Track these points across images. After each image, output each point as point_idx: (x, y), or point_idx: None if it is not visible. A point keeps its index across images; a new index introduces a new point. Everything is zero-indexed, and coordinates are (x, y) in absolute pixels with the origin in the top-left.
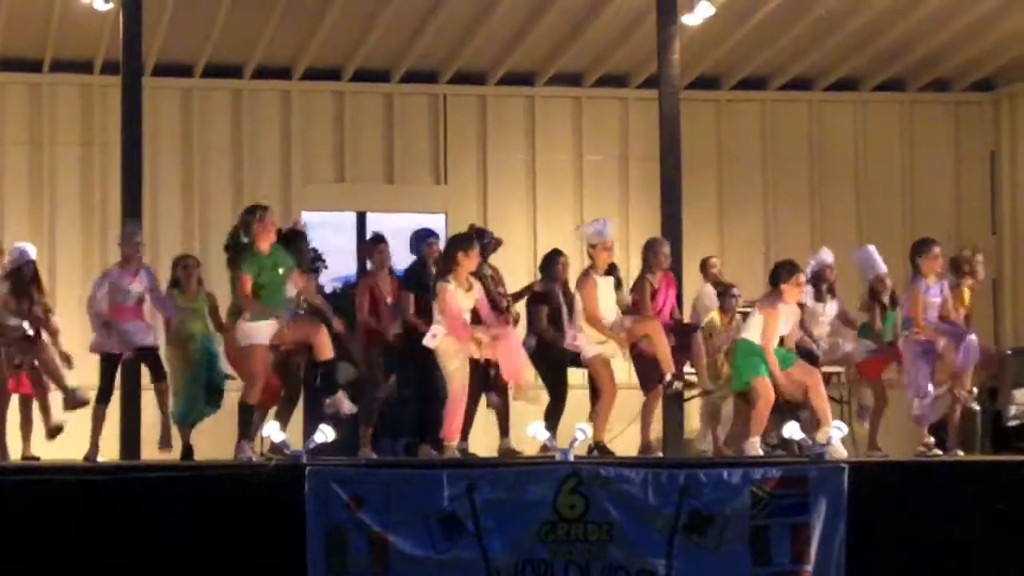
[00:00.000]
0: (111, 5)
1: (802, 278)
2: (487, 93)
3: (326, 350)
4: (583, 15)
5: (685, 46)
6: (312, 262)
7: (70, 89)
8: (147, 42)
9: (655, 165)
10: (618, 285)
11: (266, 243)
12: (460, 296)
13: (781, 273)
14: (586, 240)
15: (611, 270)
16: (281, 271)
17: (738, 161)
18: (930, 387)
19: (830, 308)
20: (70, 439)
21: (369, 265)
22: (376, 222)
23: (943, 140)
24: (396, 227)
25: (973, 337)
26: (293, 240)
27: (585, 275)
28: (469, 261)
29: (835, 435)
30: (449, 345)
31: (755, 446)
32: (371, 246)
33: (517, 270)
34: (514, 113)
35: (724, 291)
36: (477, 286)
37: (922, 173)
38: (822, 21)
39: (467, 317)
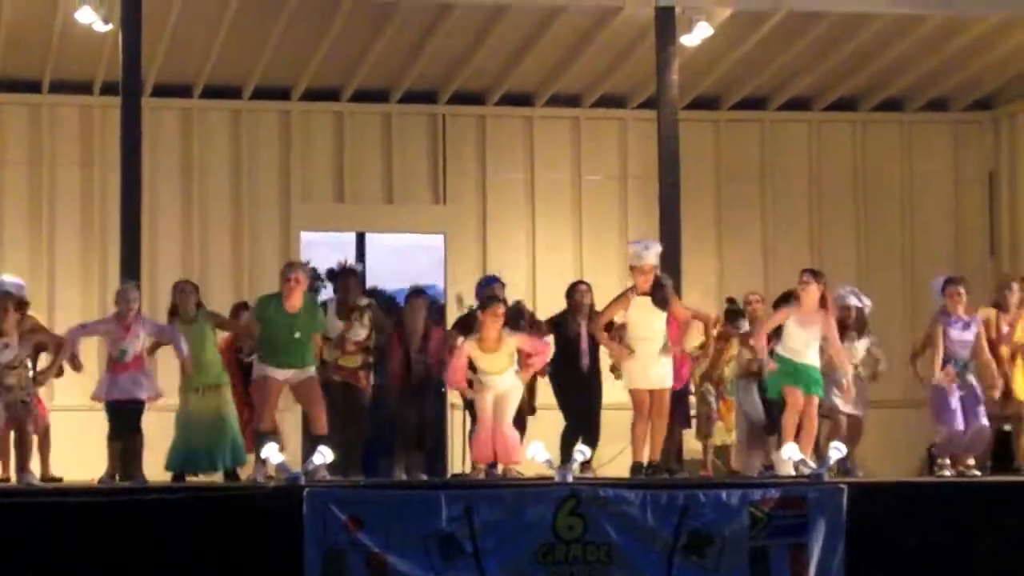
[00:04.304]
0: (111, 26)
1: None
2: (486, 113)
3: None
4: (582, 36)
5: (684, 66)
6: (311, 282)
7: (70, 110)
8: (146, 63)
9: (654, 185)
10: (661, 305)
11: (291, 303)
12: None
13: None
14: (629, 260)
15: (654, 291)
16: (297, 335)
17: (737, 181)
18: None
19: (860, 346)
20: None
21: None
22: (375, 242)
23: (942, 160)
24: (395, 247)
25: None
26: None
27: (623, 293)
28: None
29: (834, 456)
30: (480, 384)
31: (785, 458)
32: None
33: (516, 290)
34: (513, 133)
35: (733, 314)
36: (512, 338)
37: (921, 193)
38: (821, 41)
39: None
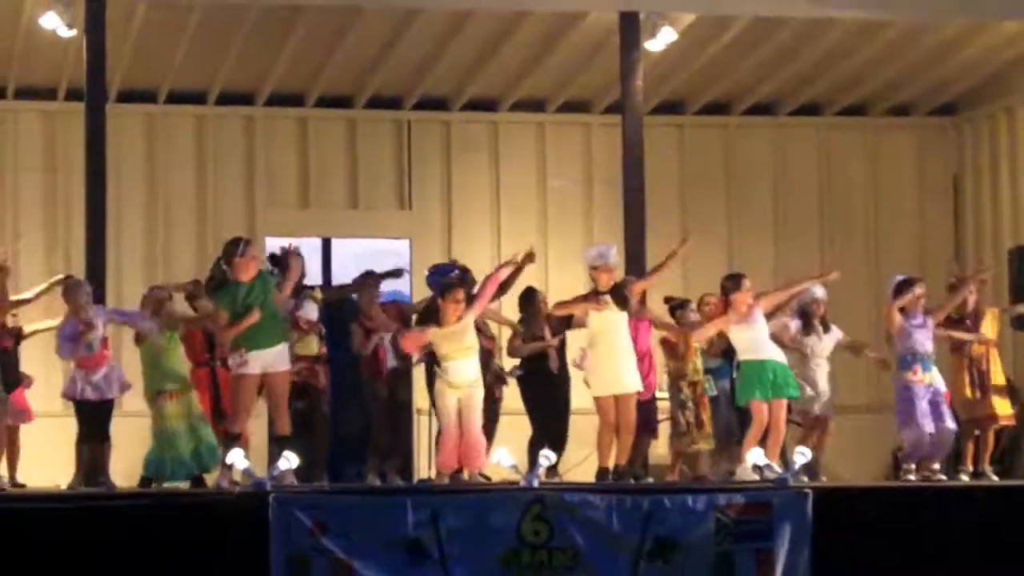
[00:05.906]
0: (74, 32)
1: (747, 284)
2: (451, 119)
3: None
4: (546, 41)
5: (648, 72)
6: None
7: (34, 116)
8: (110, 69)
9: (619, 190)
10: (622, 304)
11: (246, 277)
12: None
13: (727, 285)
14: (588, 263)
15: (615, 291)
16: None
17: (701, 186)
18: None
19: (828, 341)
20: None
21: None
22: (340, 248)
23: (906, 165)
24: (360, 252)
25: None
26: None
27: (592, 293)
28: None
29: (799, 460)
30: (443, 385)
31: (747, 468)
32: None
33: None
34: (478, 139)
35: (680, 305)
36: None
37: (885, 198)
38: (784, 47)
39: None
